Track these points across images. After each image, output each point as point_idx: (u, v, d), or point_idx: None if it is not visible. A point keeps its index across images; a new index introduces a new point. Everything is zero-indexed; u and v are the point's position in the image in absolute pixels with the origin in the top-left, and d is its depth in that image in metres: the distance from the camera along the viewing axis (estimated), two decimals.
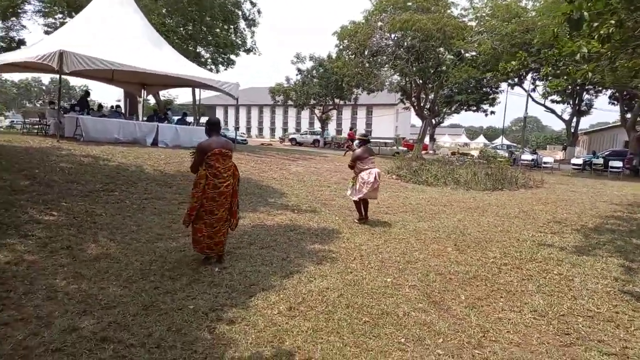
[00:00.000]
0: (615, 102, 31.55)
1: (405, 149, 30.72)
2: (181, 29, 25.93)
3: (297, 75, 38.15)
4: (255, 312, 3.73)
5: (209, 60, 28.50)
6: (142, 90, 19.08)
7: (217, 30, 27.17)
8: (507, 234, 7.04)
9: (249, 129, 70.57)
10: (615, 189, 14.66)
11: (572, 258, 5.68)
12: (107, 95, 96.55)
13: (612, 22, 4.12)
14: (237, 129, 61.50)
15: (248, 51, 29.55)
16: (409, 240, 6.35)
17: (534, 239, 6.72)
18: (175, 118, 19.99)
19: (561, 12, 4.07)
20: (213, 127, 4.85)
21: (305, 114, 60.75)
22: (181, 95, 74.59)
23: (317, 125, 48.77)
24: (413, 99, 29.71)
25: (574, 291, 4.48)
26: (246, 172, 11.18)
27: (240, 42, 28.68)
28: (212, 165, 4.62)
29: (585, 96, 34.25)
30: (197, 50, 27.41)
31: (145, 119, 17.59)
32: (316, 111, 41.85)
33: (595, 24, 4.23)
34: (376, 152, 29.44)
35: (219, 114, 70.50)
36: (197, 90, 22.67)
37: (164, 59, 14.47)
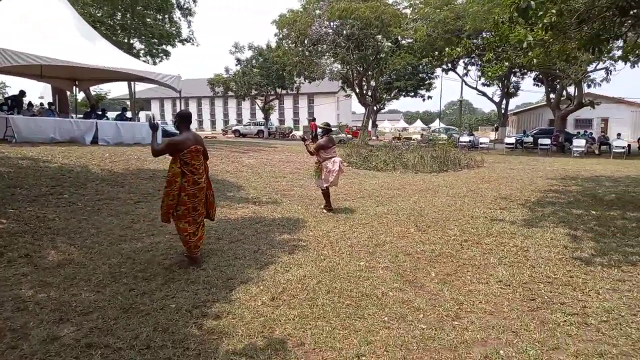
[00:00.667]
0: (540, 84, 33.84)
1: (350, 136, 31.18)
2: (108, 19, 24.52)
3: (236, 65, 37.41)
4: (239, 305, 3.73)
5: (142, 51, 27.24)
6: (74, 86, 17.92)
7: (149, 20, 25.98)
8: (460, 212, 7.44)
9: None
10: (547, 165, 15.86)
11: (523, 231, 6.14)
12: (26, 91, 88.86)
13: (554, 11, 4.47)
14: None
15: (184, 42, 28.57)
16: (372, 224, 6.55)
17: (486, 216, 7.17)
18: (110, 115, 19.04)
19: (510, 1, 4.36)
20: (184, 120, 4.59)
21: (246, 104, 59.89)
22: (114, 90, 70.60)
23: (259, 116, 48.22)
24: (355, 86, 30.18)
25: (531, 260, 4.87)
26: None
27: (175, 33, 27.64)
28: (188, 162, 4.43)
29: (513, 79, 36.40)
30: (130, 41, 26.10)
31: (81, 116, 16.56)
32: (258, 101, 41.33)
33: (540, 13, 4.58)
34: None
35: (155, 107, 67.76)
36: (132, 83, 21.70)
37: (98, 52, 13.65)
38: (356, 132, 33.49)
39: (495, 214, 7.27)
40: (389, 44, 27.91)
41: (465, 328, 3.38)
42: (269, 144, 23.99)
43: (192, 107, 69.18)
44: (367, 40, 26.58)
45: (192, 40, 28.09)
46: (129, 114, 18.45)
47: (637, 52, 11.26)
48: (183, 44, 28.57)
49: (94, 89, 34.80)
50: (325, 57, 29.77)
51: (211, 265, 4.66)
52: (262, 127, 39.97)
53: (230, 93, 39.52)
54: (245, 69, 36.59)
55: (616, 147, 21.46)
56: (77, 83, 17.66)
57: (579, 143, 22.18)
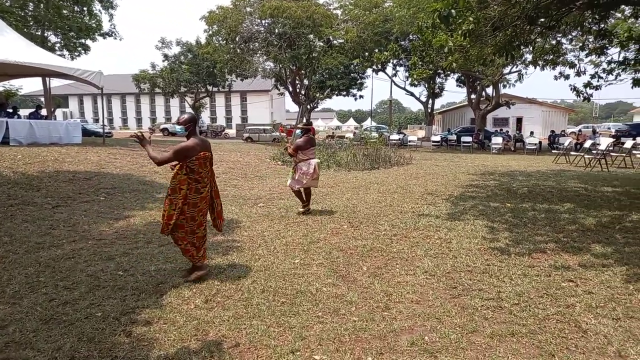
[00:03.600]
0: (462, 85, 35.90)
1: (284, 134, 31.14)
2: (19, 10, 22.52)
3: (163, 61, 35.95)
4: (171, 310, 3.64)
5: (58, 45, 25.36)
6: None
7: (66, 12, 24.24)
8: (390, 208, 7.75)
9: (110, 120, 64.62)
10: (469, 161, 16.91)
11: (447, 224, 6.53)
12: None
13: (471, 19, 4.82)
14: (97, 120, 55.82)
15: (105, 35, 27.04)
16: (307, 223, 6.64)
17: (414, 211, 7.53)
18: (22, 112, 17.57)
19: (432, 8, 4.63)
20: (196, 124, 4.29)
21: (175, 102, 57.58)
22: (26, 85, 65.16)
23: None
24: (288, 85, 30.23)
25: (454, 251, 5.20)
26: (124, 168, 10.42)
27: (95, 26, 26.03)
28: (195, 170, 4.16)
29: (438, 80, 38.30)
30: (44, 34, 24.19)
31: None
32: (187, 99, 40.06)
33: (460, 21, 4.91)
34: (255, 139, 29.51)
35: (73, 104, 63.40)
36: (47, 79, 20.19)
37: (7, 45, 12.54)
38: (290, 131, 33.51)
39: (422, 209, 7.66)
40: (321, 43, 28.25)
41: (394, 318, 3.55)
42: None
43: (116, 105, 65.54)
44: (300, 39, 26.74)
45: (114, 35, 26.62)
46: (44, 112, 17.13)
47: (544, 57, 12.33)
48: (104, 38, 27.05)
49: (3, 85, 31.93)
50: (258, 55, 29.51)
51: (139, 270, 4.49)
52: None
53: (157, 90, 37.86)
54: (174, 65, 35.32)
55: (529, 144, 23.38)
56: None
57: (497, 140, 23.89)
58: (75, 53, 26.08)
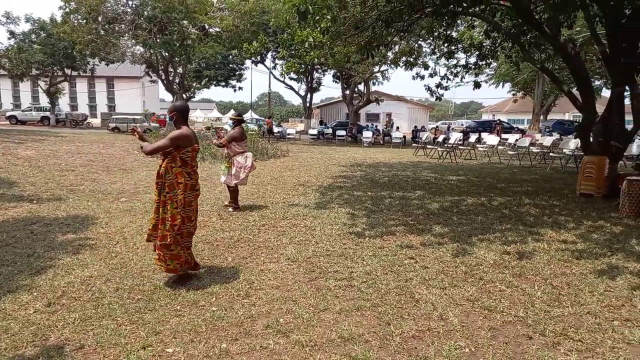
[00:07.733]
0: (337, 81, 37.52)
1: (158, 125, 29.38)
2: None
3: (9, 39, 31.21)
4: (4, 317, 3.27)
5: None
6: None
7: None
8: (263, 199, 7.87)
9: None
10: (341, 154, 17.86)
11: (314, 212, 6.85)
12: None
13: (329, 17, 5.11)
14: None
15: None
16: None
17: (285, 201, 7.75)
18: None
19: (291, 3, 4.79)
20: (184, 113, 3.92)
21: (26, 86, 50.49)
22: None
23: (44, 100, 41.45)
24: (161, 72, 28.54)
25: (316, 238, 5.49)
26: None
27: None
28: (188, 163, 3.78)
29: (316, 75, 39.48)
30: None
31: None
32: (41, 83, 35.42)
33: (317, 17, 5.16)
34: (124, 130, 27.40)
35: None
36: None
37: None
38: (163, 121, 31.70)
39: (293, 199, 7.91)
40: (195, 31, 27.13)
41: (253, 304, 3.64)
42: (56, 132, 20.96)
43: None
44: (172, 24, 25.33)
45: None
46: None
47: (403, 58, 13.49)
48: None
49: None
50: (125, 38, 27.31)
51: None
52: (48, 114, 34.49)
53: (2, 72, 32.78)
54: (22, 44, 30.87)
55: (395, 138, 25.46)
56: None
57: (367, 135, 25.58)
58: None
